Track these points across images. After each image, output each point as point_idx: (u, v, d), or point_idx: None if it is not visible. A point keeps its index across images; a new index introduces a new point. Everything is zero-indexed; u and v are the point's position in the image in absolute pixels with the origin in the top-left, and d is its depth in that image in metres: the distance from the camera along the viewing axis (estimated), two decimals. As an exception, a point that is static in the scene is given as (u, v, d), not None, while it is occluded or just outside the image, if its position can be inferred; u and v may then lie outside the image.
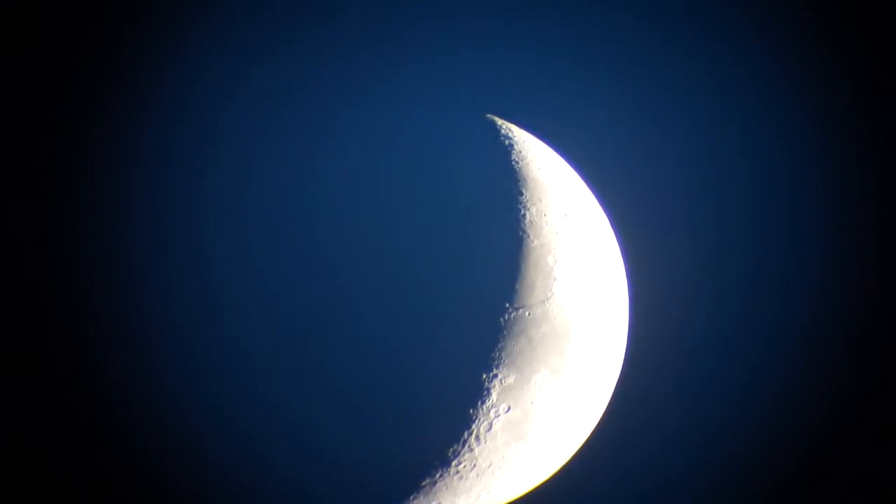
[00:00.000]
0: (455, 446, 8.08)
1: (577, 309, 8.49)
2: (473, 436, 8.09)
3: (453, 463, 8.16)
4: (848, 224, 11.89)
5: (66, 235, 8.70)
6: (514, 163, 8.76)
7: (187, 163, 8.46)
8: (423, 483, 8.19)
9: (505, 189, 8.50)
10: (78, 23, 10.49)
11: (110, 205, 8.45)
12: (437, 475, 8.18)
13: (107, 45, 10.45)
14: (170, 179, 8.40)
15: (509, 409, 8.18)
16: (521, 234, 8.29)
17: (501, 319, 8.00)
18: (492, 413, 8.09)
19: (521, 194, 8.53)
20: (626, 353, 9.48)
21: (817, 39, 12.03)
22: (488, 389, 8.01)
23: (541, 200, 8.62)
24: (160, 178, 8.43)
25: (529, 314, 8.15)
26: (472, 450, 8.15)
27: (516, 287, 8.10)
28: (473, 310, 7.89)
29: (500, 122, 9.19)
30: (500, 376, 8.04)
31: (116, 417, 8.26)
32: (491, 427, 8.14)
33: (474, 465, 8.25)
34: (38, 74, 10.25)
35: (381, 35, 11.15)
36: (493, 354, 7.99)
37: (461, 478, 8.29)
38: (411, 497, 8.27)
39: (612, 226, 9.52)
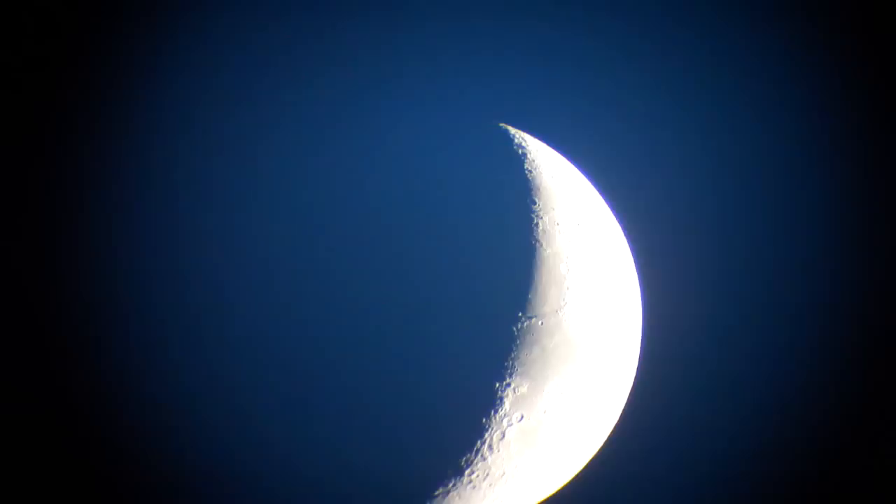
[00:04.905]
0: (468, 455, 8.07)
1: (590, 318, 8.48)
2: (486, 445, 8.08)
3: (466, 472, 8.14)
4: (865, 225, 11.85)
5: (64, 236, 8.73)
6: (526, 171, 8.76)
7: (190, 165, 8.48)
8: (436, 493, 8.18)
9: (518, 198, 8.49)
10: (74, 23, 10.52)
11: (110, 206, 8.47)
12: (450, 484, 8.17)
13: (105, 45, 10.47)
14: (172, 182, 8.42)
15: (522, 418, 8.17)
16: (533, 242, 8.29)
17: (514, 328, 8.00)
18: (505, 422, 8.08)
19: (534, 203, 8.52)
20: (639, 363, 9.46)
21: (827, 37, 12.01)
22: (501, 398, 8.00)
23: (553, 209, 8.62)
24: (162, 180, 8.45)
25: (542, 323, 8.14)
26: (484, 459, 8.14)
27: (529, 296, 8.09)
28: (486, 319, 7.89)
29: (512, 130, 9.20)
30: (513, 385, 8.03)
31: (120, 418, 8.27)
32: (504, 436, 8.12)
33: (487, 475, 8.24)
34: (36, 75, 10.28)
35: (394, 43, 11.18)
36: (506, 364, 7.98)
37: (474, 487, 8.27)
38: (424, 506, 8.26)
39: (625, 234, 9.51)
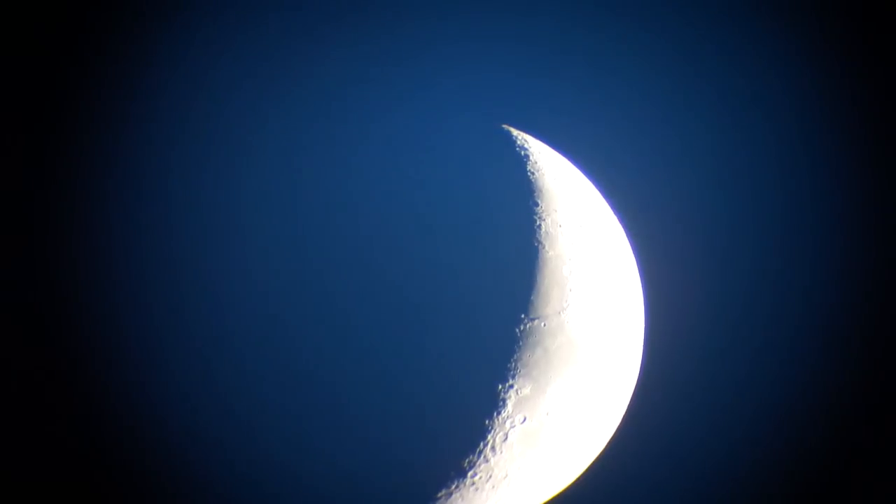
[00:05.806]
0: (471, 457, 8.08)
1: (593, 319, 8.48)
2: (489, 446, 8.09)
3: (469, 474, 8.15)
4: (867, 224, 11.84)
5: (60, 236, 8.72)
6: (529, 173, 8.77)
7: (185, 163, 8.48)
8: (439, 494, 8.18)
9: (520, 200, 8.50)
10: (70, 23, 10.52)
11: (105, 204, 8.47)
12: (453, 486, 8.17)
13: (102, 45, 10.46)
14: (167, 181, 8.42)
15: (525, 419, 8.17)
16: (536, 244, 8.29)
17: (517, 330, 8.00)
18: (507, 424, 8.09)
19: (537, 205, 8.53)
20: (641, 364, 9.46)
21: (832, 37, 12.00)
22: (504, 400, 8.00)
23: (556, 211, 8.62)
24: (156, 179, 8.44)
25: (545, 325, 8.14)
26: (487, 460, 8.14)
27: (532, 298, 8.10)
28: (489, 321, 7.89)
29: (515, 132, 9.20)
30: (515, 387, 8.04)
31: (112, 418, 8.27)
32: (507, 438, 8.13)
33: (490, 476, 8.24)
34: (34, 75, 10.28)
35: (394, 43, 11.18)
36: (508, 365, 7.98)
37: (477, 489, 8.28)
38: (427, 508, 8.27)
39: (627, 236, 9.51)
